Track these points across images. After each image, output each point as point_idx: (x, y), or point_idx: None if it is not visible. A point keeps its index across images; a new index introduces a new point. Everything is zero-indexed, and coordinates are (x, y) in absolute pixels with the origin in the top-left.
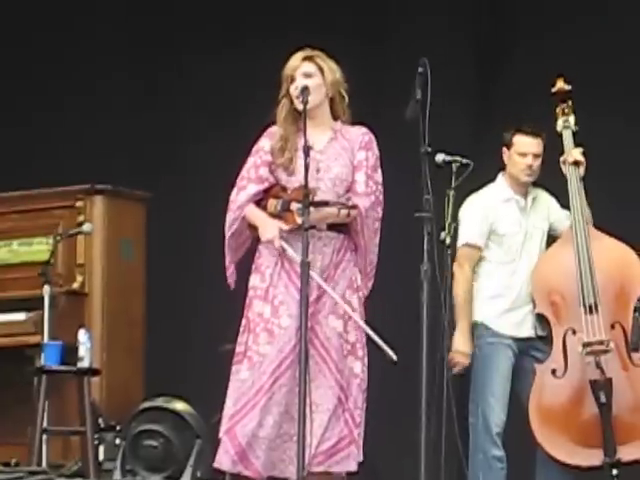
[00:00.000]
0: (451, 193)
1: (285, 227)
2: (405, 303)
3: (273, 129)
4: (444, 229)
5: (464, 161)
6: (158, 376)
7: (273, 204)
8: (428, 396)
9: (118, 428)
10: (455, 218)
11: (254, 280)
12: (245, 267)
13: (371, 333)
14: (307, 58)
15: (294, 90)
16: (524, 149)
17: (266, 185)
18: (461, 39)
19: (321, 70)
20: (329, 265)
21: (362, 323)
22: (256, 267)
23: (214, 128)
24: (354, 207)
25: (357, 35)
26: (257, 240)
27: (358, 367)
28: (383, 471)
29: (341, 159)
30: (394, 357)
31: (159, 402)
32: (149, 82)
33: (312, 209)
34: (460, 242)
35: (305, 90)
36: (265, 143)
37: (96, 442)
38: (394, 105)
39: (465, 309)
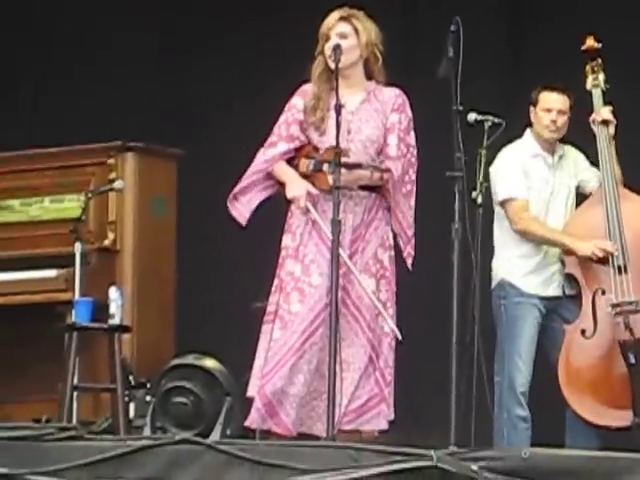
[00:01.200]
0: (483, 152)
1: (314, 191)
2: (436, 262)
3: (306, 87)
4: (475, 188)
5: (496, 120)
6: (189, 334)
7: (305, 164)
8: (459, 354)
9: (148, 385)
10: (487, 178)
11: (286, 240)
12: (277, 225)
13: (380, 308)
14: (343, 18)
15: (327, 49)
16: (549, 105)
17: (297, 144)
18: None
19: (356, 31)
20: (360, 224)
21: (373, 297)
22: (288, 227)
23: (245, 88)
24: (387, 170)
25: None
26: (289, 200)
27: (387, 328)
28: (414, 429)
29: (372, 121)
30: (399, 336)
31: (189, 359)
32: (181, 42)
33: (345, 170)
34: (502, 197)
35: (337, 49)
36: (297, 101)
37: (126, 399)
38: (427, 64)
39: (556, 233)
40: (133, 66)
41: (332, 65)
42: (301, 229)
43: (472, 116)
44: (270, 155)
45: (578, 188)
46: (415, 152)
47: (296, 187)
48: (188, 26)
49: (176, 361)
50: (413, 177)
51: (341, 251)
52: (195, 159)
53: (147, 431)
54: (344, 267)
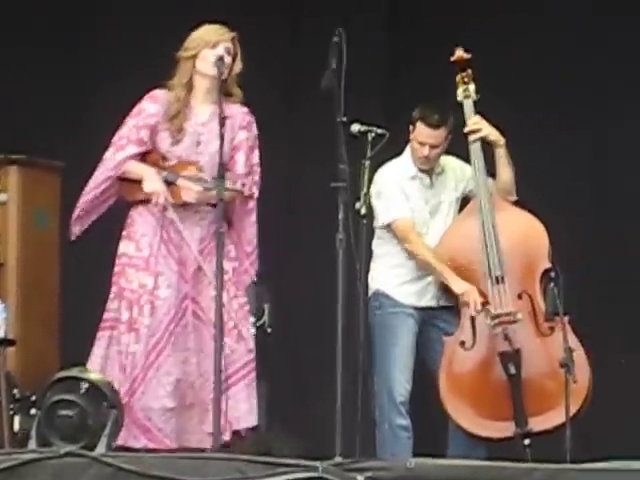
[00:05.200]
0: (367, 163)
1: (170, 200)
2: (322, 272)
3: (158, 93)
4: (359, 199)
5: (379, 131)
6: (74, 346)
7: (158, 174)
8: (345, 364)
9: (33, 398)
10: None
11: (126, 248)
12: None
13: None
14: (233, 38)
15: (212, 56)
16: (422, 139)
17: (144, 149)
18: (374, 8)
19: (235, 55)
20: (206, 237)
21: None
22: (128, 234)
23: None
24: (241, 191)
25: (272, 9)
26: (129, 205)
27: (246, 331)
28: (304, 442)
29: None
30: (265, 326)
31: (74, 372)
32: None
33: (198, 188)
34: (388, 220)
35: (221, 61)
36: (148, 106)
37: (11, 412)
38: (311, 76)
39: (440, 264)
40: (13, 76)
41: (211, 70)
42: (149, 239)
43: (356, 127)
44: (120, 158)
45: (469, 195)
46: (259, 170)
47: (156, 181)
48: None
49: (61, 374)
50: (256, 194)
51: (204, 265)
52: (78, 171)
53: (33, 444)
54: (191, 281)
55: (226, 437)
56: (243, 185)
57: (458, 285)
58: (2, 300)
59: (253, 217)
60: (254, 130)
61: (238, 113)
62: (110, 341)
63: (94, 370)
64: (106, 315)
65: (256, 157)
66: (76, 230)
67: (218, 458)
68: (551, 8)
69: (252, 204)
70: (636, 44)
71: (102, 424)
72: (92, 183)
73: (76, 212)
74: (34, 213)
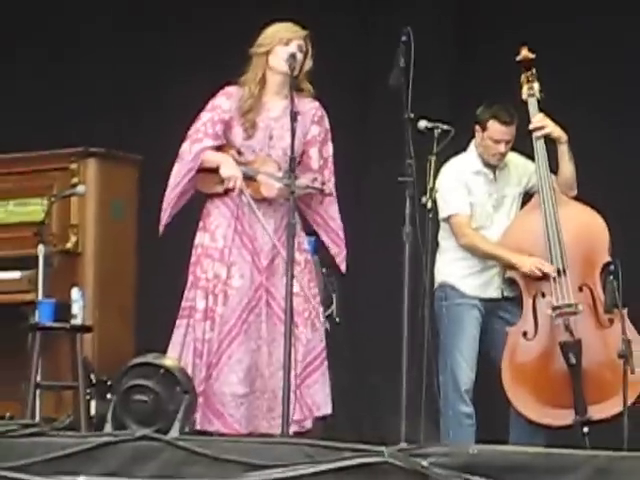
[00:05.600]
0: (433, 159)
1: (248, 199)
2: (388, 265)
3: (232, 89)
4: (425, 193)
5: (445, 127)
6: (148, 334)
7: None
8: (410, 353)
9: (109, 383)
10: (435, 185)
11: (202, 238)
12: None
13: (307, 292)
14: (307, 36)
15: (285, 53)
16: (498, 136)
17: (218, 143)
18: (443, 9)
19: (307, 53)
20: (278, 229)
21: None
22: (204, 225)
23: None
24: (322, 190)
25: (342, 6)
26: (206, 198)
27: (319, 324)
28: (364, 424)
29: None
30: (335, 317)
31: (149, 358)
32: (142, 50)
33: (279, 185)
34: (447, 214)
35: (294, 58)
36: (222, 102)
37: (88, 397)
38: (380, 73)
39: (499, 248)
40: (96, 71)
41: (283, 67)
42: (223, 230)
43: (422, 123)
44: (197, 150)
45: (530, 190)
46: (332, 163)
47: (232, 167)
48: (151, 33)
49: (136, 360)
50: (333, 190)
51: (282, 250)
52: (156, 165)
53: (108, 428)
54: (265, 272)
55: (308, 425)
56: (322, 183)
57: (522, 260)
58: (80, 288)
59: (336, 206)
60: (326, 124)
61: (310, 108)
62: (187, 329)
63: (173, 356)
64: (184, 304)
65: (329, 150)
66: (163, 225)
67: (286, 443)
68: (616, 8)
69: (333, 200)
70: None
71: (175, 409)
72: (174, 178)
73: (165, 208)
74: (111, 205)
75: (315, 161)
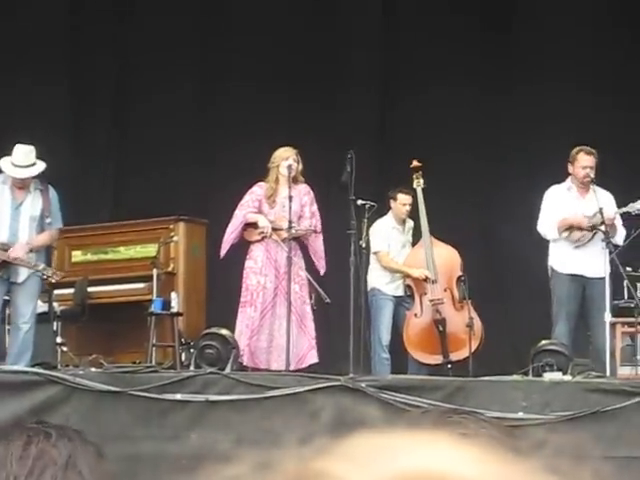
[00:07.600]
0: (365, 220)
1: (275, 237)
2: (344, 276)
3: (261, 184)
4: (361, 239)
5: (371, 203)
6: (213, 317)
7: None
8: (354, 325)
9: (192, 344)
10: (367, 234)
11: (249, 263)
12: (232, 260)
13: (315, 285)
14: (297, 154)
15: (284, 166)
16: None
17: (255, 211)
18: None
19: (298, 162)
20: (286, 261)
21: (314, 282)
22: (250, 256)
23: (243, 172)
24: (312, 230)
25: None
26: (250, 243)
27: (308, 308)
28: (331, 366)
29: (295, 202)
30: (328, 299)
31: (213, 329)
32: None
33: (292, 230)
34: (374, 250)
35: (291, 167)
36: (257, 190)
37: (180, 351)
38: (337, 175)
39: (403, 267)
40: (176, 155)
41: (286, 173)
42: (261, 257)
43: (359, 202)
44: (244, 212)
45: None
46: (319, 217)
47: (266, 221)
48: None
49: (206, 331)
50: (319, 229)
51: (302, 272)
52: (216, 224)
53: (191, 367)
54: (282, 280)
55: (302, 365)
56: (314, 227)
57: (415, 271)
58: (176, 292)
59: (320, 240)
60: (312, 195)
61: (303, 188)
62: (244, 315)
63: (235, 331)
64: (242, 300)
65: (315, 209)
66: (224, 253)
67: (287, 374)
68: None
69: (319, 235)
70: None
71: (227, 357)
72: (231, 227)
73: (225, 243)
74: (192, 247)
75: (308, 215)
